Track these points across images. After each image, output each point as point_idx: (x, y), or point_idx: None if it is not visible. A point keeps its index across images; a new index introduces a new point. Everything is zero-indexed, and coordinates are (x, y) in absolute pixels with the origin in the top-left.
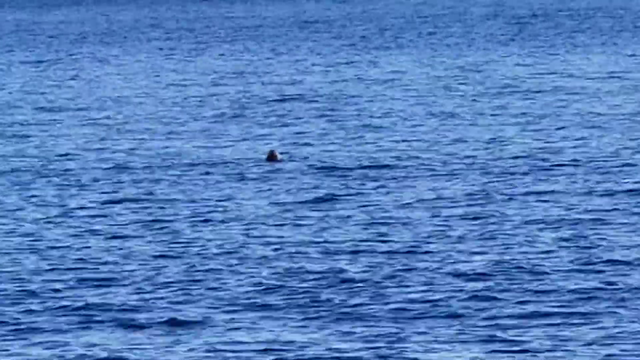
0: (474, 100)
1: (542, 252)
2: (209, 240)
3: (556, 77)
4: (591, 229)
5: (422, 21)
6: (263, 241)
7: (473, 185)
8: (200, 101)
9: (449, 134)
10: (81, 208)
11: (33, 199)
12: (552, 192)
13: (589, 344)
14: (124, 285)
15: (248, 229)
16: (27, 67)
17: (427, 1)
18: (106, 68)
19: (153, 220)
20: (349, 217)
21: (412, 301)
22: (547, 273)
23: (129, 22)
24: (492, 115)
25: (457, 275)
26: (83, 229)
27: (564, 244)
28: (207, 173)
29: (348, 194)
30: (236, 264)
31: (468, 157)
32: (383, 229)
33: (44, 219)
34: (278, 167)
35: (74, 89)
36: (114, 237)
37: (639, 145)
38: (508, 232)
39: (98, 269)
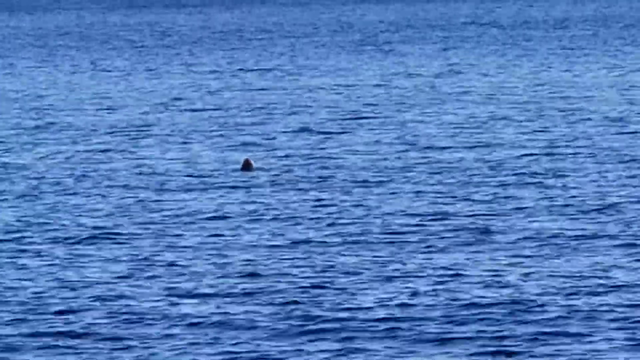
0: (455, 107)
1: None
2: (184, 248)
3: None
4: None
5: (385, 28)
6: (237, 250)
7: (461, 195)
8: (174, 109)
9: (423, 141)
10: (55, 213)
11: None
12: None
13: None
14: (99, 290)
15: (223, 238)
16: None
17: (391, 8)
18: (79, 74)
19: (126, 230)
20: (324, 225)
21: (390, 312)
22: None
23: (103, 27)
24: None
25: (438, 282)
26: (60, 235)
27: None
28: (182, 182)
29: (323, 203)
30: (210, 272)
31: (452, 166)
32: (356, 237)
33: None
34: (253, 175)
35: (49, 95)
36: (90, 245)
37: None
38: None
39: (73, 272)
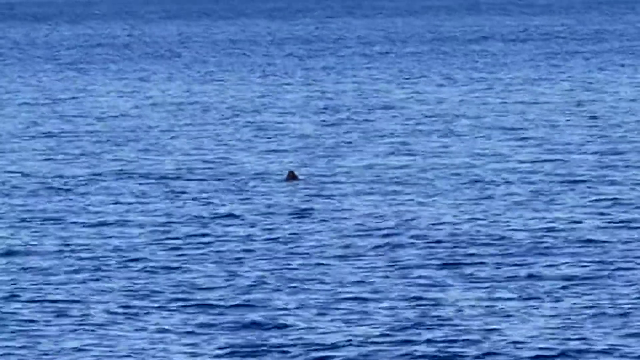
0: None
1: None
2: (235, 258)
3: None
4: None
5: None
6: (285, 258)
7: (498, 198)
8: (217, 118)
9: (464, 149)
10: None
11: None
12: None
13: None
14: (130, 291)
15: (268, 248)
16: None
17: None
18: (120, 81)
19: (174, 237)
20: (368, 233)
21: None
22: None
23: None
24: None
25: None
26: (101, 237)
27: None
28: (227, 190)
29: (368, 211)
30: (255, 283)
31: (498, 170)
32: (400, 243)
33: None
34: (298, 186)
35: (89, 103)
36: (126, 250)
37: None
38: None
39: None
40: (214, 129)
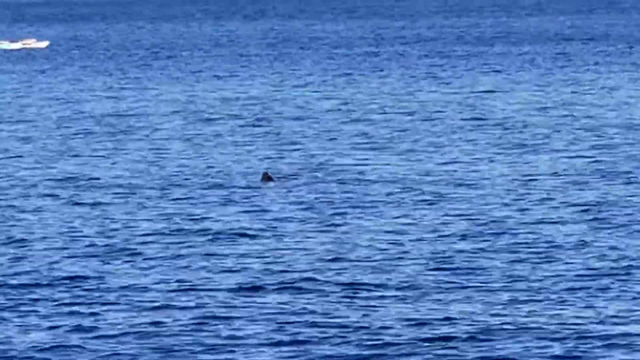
0: (471, 124)
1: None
2: (204, 259)
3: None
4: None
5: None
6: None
7: (479, 206)
8: (193, 120)
9: (444, 153)
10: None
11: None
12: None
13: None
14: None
15: (242, 249)
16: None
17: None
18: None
19: (153, 241)
20: (343, 236)
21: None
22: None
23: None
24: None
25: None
26: (71, 243)
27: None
28: (201, 194)
29: (344, 214)
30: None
31: (471, 177)
32: (376, 251)
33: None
34: (272, 187)
35: (75, 104)
36: (103, 254)
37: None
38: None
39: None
40: (185, 130)
